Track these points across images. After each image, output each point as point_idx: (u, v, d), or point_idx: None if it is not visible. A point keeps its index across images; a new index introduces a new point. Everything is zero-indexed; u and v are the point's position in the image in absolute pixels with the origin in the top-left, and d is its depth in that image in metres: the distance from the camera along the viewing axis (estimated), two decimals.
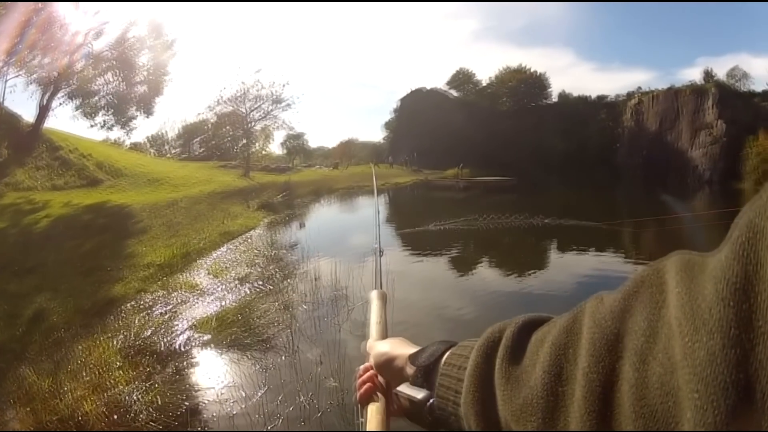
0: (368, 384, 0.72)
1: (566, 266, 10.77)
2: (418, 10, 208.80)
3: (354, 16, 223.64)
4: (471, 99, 75.42)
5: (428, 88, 78.56)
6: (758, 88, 67.93)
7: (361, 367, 0.76)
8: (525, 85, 72.06)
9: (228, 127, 42.56)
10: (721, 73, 70.14)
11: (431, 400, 0.57)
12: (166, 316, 6.53)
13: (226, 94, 36.50)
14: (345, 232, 16.54)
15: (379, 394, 0.70)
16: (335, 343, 5.73)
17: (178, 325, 6.25)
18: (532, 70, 72.79)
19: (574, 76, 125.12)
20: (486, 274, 10.16)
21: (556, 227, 15.64)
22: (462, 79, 78.16)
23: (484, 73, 77.09)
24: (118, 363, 4.86)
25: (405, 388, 0.63)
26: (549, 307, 6.85)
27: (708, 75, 69.14)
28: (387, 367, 0.68)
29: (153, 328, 5.97)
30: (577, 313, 0.42)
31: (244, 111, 36.60)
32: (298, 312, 7.07)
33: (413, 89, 78.65)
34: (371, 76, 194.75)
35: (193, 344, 5.70)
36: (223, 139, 47.37)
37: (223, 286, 8.23)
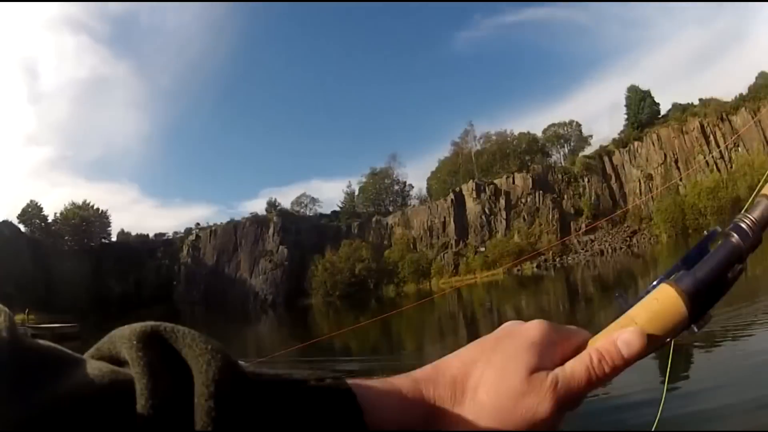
0: None
1: None
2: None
3: None
4: (38, 236, 67.03)
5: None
6: (327, 210, 77.56)
7: None
8: (87, 223, 67.98)
9: None
10: (286, 201, 77.49)
11: None
12: None
13: None
14: None
15: None
16: None
17: None
18: (96, 206, 69.72)
19: (138, 212, 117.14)
20: None
21: None
22: (32, 212, 69.01)
23: (54, 207, 69.50)
24: None
25: None
26: None
27: (272, 205, 75.34)
28: None
29: None
30: None
31: None
32: None
33: None
34: None
35: None
36: None
37: None
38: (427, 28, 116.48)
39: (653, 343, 0.54)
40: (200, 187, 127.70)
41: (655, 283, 0.57)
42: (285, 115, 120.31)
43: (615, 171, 68.97)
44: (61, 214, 69.78)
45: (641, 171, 67.54)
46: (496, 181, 69.75)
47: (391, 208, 74.24)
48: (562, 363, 0.53)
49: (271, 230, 70.88)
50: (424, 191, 76.37)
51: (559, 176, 69.92)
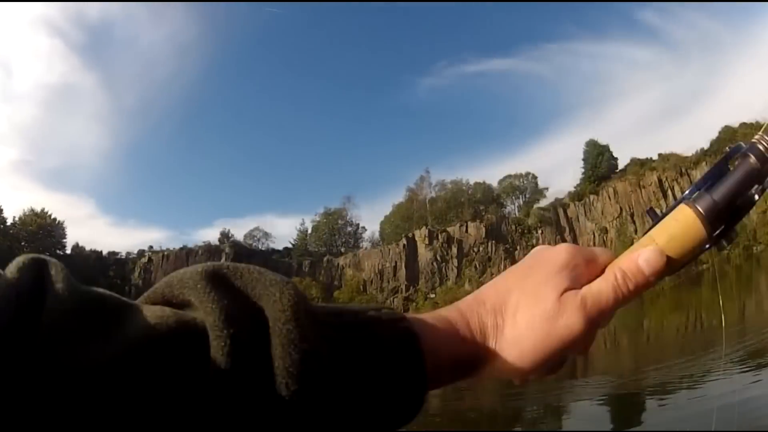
0: None
1: None
2: None
3: None
4: None
5: None
6: (279, 245, 76.91)
7: None
8: (44, 232, 70.50)
9: None
10: (240, 233, 77.38)
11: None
12: None
13: None
14: None
15: None
16: None
17: None
18: (53, 216, 72.38)
19: (92, 228, 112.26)
20: None
21: None
22: None
23: (13, 210, 69.47)
24: None
25: None
26: None
27: (225, 236, 75.72)
28: None
29: None
30: None
31: None
32: None
33: None
34: None
35: None
36: None
37: None
38: (390, 72, 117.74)
39: (674, 263, 0.55)
40: (156, 209, 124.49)
41: (675, 203, 0.57)
42: (243, 147, 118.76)
43: (569, 223, 67.16)
44: (20, 219, 71.97)
45: (596, 224, 65.27)
46: (449, 229, 69.40)
47: (343, 249, 74.05)
48: (589, 283, 0.55)
49: (222, 261, 69.61)
50: (377, 234, 76.08)
51: (513, 227, 68.78)
